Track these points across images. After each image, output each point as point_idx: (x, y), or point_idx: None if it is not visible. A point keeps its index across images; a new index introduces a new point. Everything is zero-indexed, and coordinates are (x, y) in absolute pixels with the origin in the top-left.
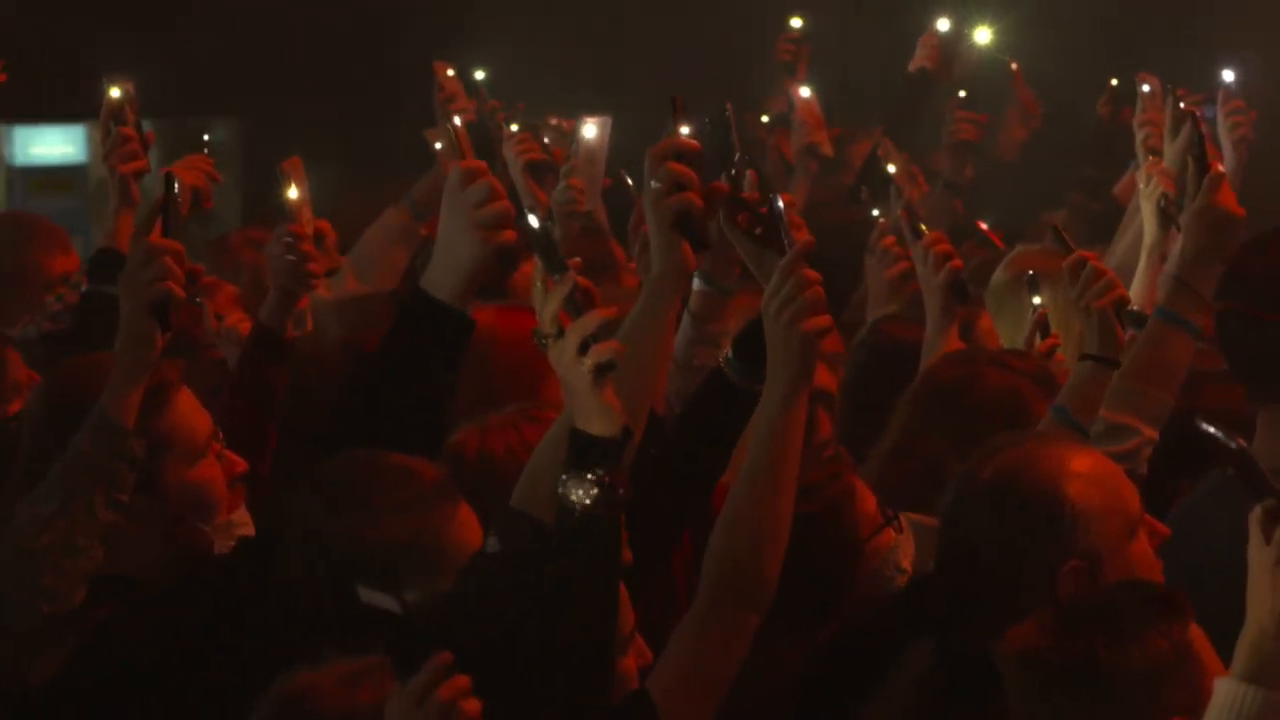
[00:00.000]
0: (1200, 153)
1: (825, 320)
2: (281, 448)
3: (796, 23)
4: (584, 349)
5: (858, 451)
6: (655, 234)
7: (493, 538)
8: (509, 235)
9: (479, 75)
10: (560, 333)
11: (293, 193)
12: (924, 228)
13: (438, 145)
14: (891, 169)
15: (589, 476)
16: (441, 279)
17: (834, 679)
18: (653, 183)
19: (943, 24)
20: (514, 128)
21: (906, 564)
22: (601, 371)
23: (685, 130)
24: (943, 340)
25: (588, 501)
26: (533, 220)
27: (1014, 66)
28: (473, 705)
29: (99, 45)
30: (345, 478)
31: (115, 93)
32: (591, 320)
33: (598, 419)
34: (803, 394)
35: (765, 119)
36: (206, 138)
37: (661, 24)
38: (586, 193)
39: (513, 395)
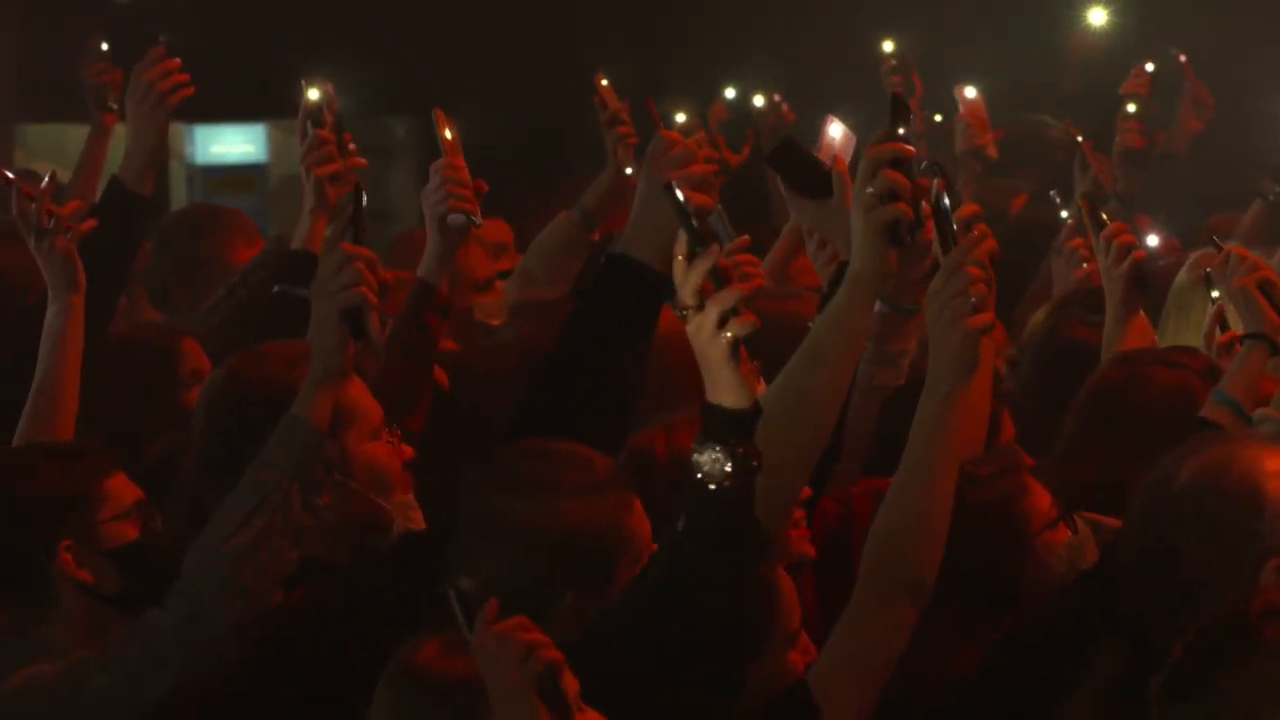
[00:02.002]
0: None
1: (988, 318)
2: (440, 450)
3: (888, 46)
4: (722, 322)
5: (1037, 453)
6: (861, 237)
7: (683, 516)
8: (706, 199)
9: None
10: (701, 305)
11: (448, 133)
12: (1106, 217)
13: (629, 170)
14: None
15: (722, 447)
16: (642, 245)
17: (1011, 677)
18: (866, 189)
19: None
20: (681, 117)
21: (1086, 565)
22: (737, 344)
23: (901, 131)
24: (1123, 331)
25: (722, 471)
26: (678, 193)
27: (1182, 58)
28: (536, 635)
29: (279, 46)
30: (526, 461)
31: (314, 94)
32: (731, 293)
33: (732, 391)
34: (964, 390)
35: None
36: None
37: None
38: None
39: (694, 394)
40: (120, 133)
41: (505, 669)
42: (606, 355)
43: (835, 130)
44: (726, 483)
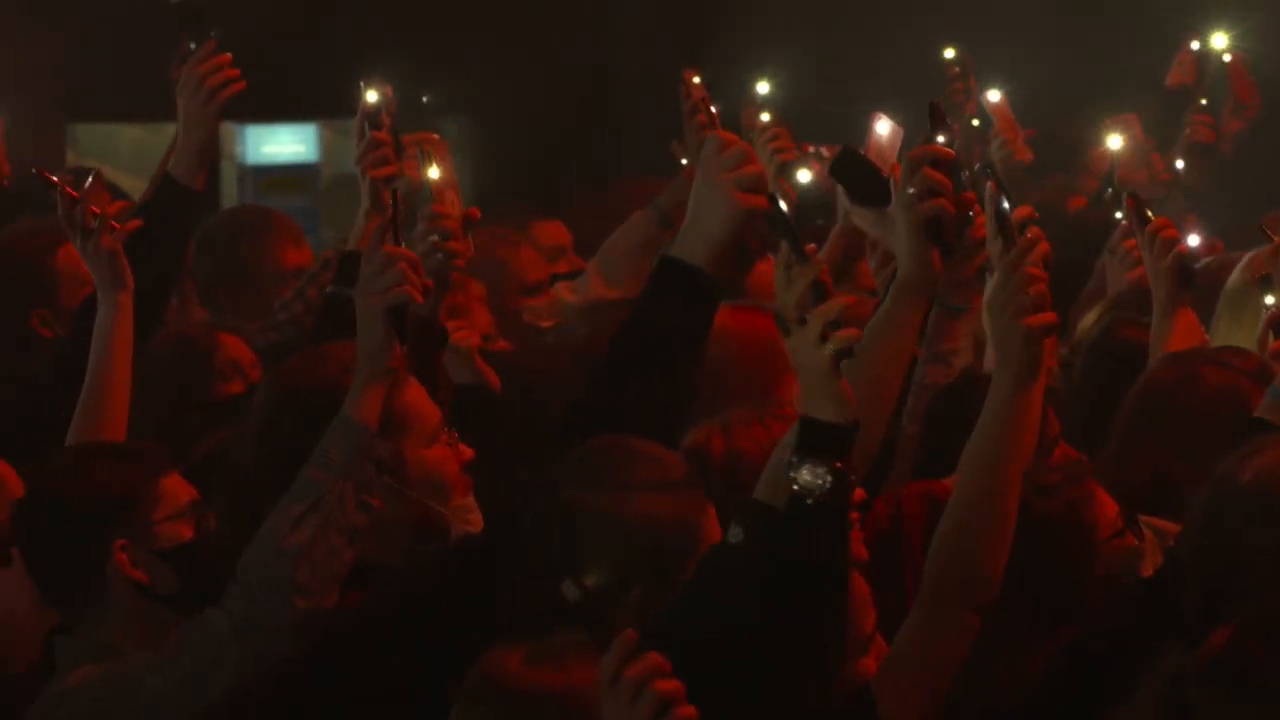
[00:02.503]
0: None
1: (1049, 317)
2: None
3: (950, 53)
4: (824, 336)
5: (1089, 454)
6: (905, 239)
7: (736, 528)
8: (761, 200)
9: (697, 80)
10: (802, 319)
11: (434, 173)
12: (1150, 214)
13: (684, 161)
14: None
15: (821, 463)
16: (693, 244)
17: (1075, 684)
18: (908, 189)
19: (1195, 44)
20: (765, 117)
21: (1149, 572)
22: (839, 358)
23: (941, 138)
24: (1169, 327)
25: (820, 486)
26: (782, 205)
27: (1226, 58)
28: (670, 685)
29: (330, 46)
30: (602, 455)
31: (372, 96)
32: (834, 307)
33: (832, 405)
34: (1027, 390)
35: None
36: (425, 99)
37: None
38: None
39: (747, 395)
40: (168, 133)
41: (633, 711)
42: (659, 359)
43: (883, 127)
44: (824, 498)
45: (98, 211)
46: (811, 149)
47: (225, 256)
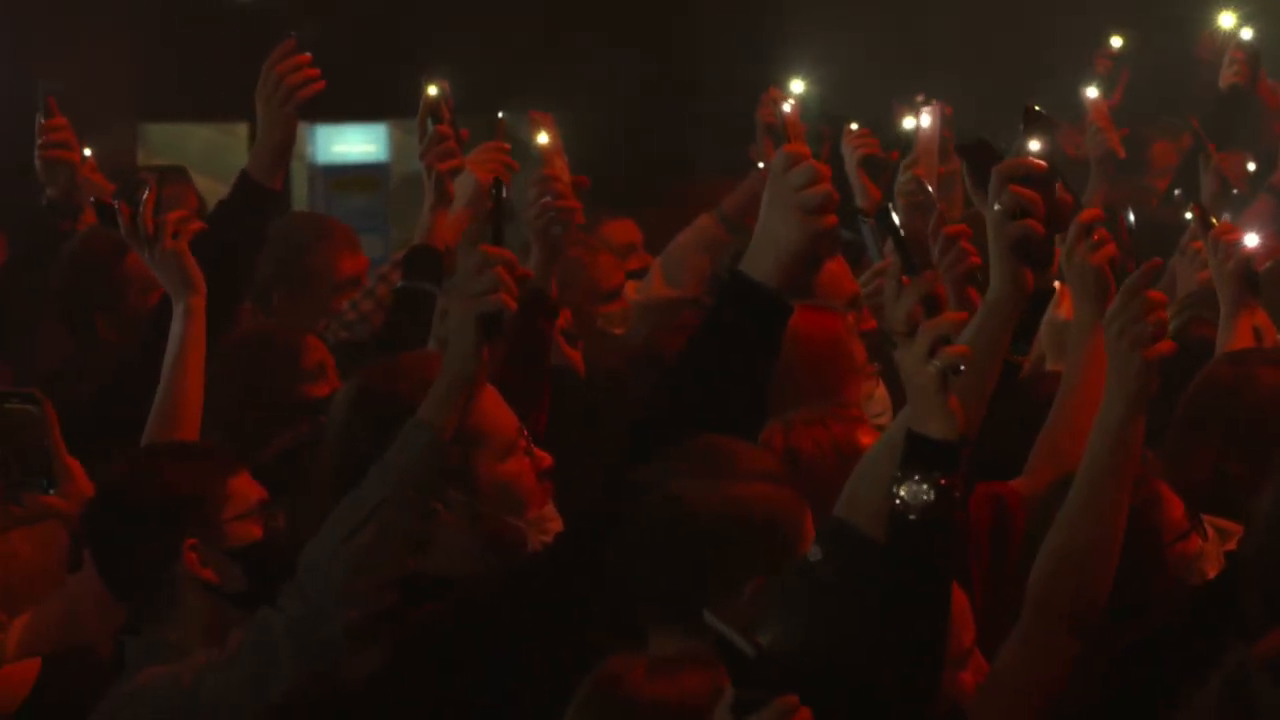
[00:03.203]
0: None
1: (1167, 347)
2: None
3: (1117, 42)
4: (932, 351)
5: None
6: (996, 257)
7: (816, 546)
8: (830, 220)
9: (796, 85)
10: (911, 333)
11: (543, 138)
12: (1214, 219)
13: (760, 164)
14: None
15: (928, 479)
16: (760, 261)
17: (1142, 684)
18: (995, 205)
19: (1246, 33)
20: (854, 126)
21: (1213, 573)
22: (948, 374)
23: (1035, 145)
24: (1234, 329)
25: (923, 502)
26: (895, 216)
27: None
28: None
29: (401, 45)
30: (702, 452)
31: (432, 90)
32: (945, 322)
33: (940, 421)
34: (1139, 415)
35: None
36: (501, 115)
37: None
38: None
39: (814, 395)
40: (239, 133)
41: None
42: (729, 371)
43: (926, 119)
44: (927, 514)
45: (157, 220)
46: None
47: (285, 260)
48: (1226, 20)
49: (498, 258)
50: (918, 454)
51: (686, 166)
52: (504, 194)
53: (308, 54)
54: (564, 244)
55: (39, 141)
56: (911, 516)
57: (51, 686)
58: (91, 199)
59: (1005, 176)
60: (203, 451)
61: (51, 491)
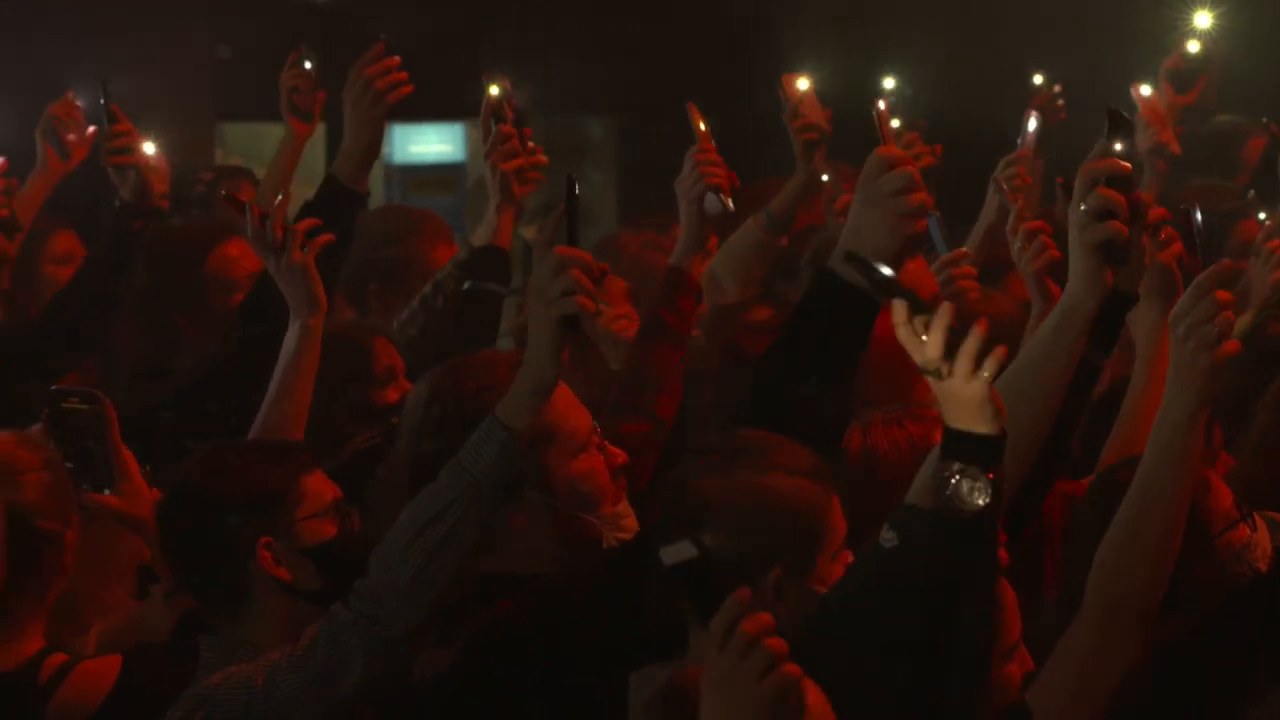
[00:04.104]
0: None
1: (1233, 348)
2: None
3: (1194, 46)
4: (974, 370)
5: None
6: (1077, 256)
7: (889, 532)
8: (920, 225)
9: (888, 83)
10: (949, 369)
11: (702, 125)
12: None
13: (825, 177)
14: None
15: (977, 475)
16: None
17: (1193, 673)
18: (1080, 205)
19: None
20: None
21: (1262, 564)
22: (993, 379)
23: (1119, 146)
24: None
25: (977, 500)
26: (885, 270)
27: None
28: (778, 644)
29: (476, 45)
30: (737, 443)
31: (494, 90)
32: (974, 344)
33: (987, 419)
34: (1203, 414)
35: None
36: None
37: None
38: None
39: (887, 395)
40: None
41: (744, 677)
42: (817, 370)
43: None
44: (978, 509)
45: (288, 228)
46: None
47: (378, 254)
48: (1203, 20)
49: (573, 259)
50: (968, 450)
51: (762, 169)
52: (577, 192)
53: (396, 58)
54: (716, 224)
55: (104, 148)
56: (964, 511)
57: (132, 683)
58: (223, 191)
59: (1092, 178)
60: (279, 451)
61: (107, 491)
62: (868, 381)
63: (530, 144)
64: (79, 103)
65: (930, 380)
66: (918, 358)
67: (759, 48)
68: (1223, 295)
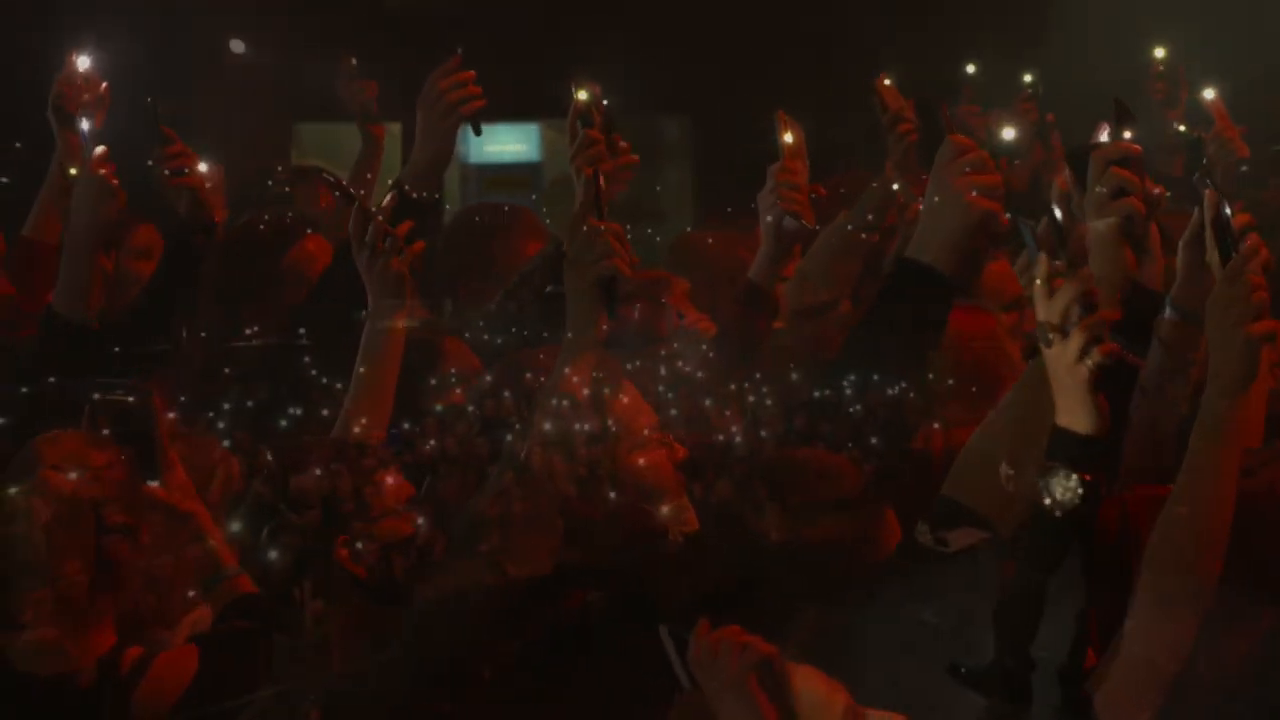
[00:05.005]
0: None
1: (1270, 325)
2: None
3: (1160, 52)
4: (1084, 350)
5: None
6: (1097, 236)
7: (923, 526)
8: (996, 205)
9: (1028, 78)
10: (1065, 332)
11: (788, 137)
12: None
13: (895, 186)
14: None
15: (1075, 474)
16: (929, 245)
17: None
18: (1097, 187)
19: None
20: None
21: None
22: (1097, 373)
23: (1128, 134)
24: None
25: (1073, 498)
26: (1057, 211)
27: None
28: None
29: (552, 45)
30: (776, 473)
31: (582, 95)
32: (1099, 321)
33: (1089, 418)
34: (1244, 397)
35: None
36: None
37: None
38: None
39: (969, 395)
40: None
41: (723, 666)
42: (898, 356)
43: (1105, 133)
44: (1073, 509)
45: (390, 232)
46: None
47: (471, 252)
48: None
49: (607, 228)
50: (1066, 449)
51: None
52: (600, 179)
53: (472, 71)
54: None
55: (159, 170)
56: (1060, 509)
57: (212, 671)
58: (328, 177)
59: (1106, 159)
60: (356, 450)
61: (154, 483)
62: (949, 380)
63: (622, 144)
64: (84, 61)
65: (1043, 349)
66: (1040, 312)
67: (838, 45)
68: (1256, 277)
